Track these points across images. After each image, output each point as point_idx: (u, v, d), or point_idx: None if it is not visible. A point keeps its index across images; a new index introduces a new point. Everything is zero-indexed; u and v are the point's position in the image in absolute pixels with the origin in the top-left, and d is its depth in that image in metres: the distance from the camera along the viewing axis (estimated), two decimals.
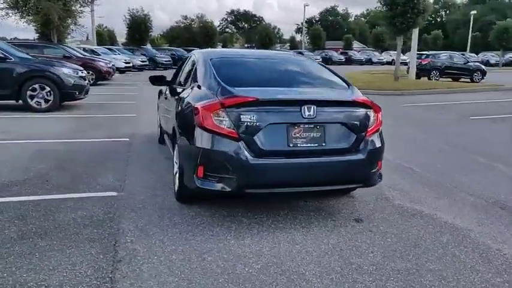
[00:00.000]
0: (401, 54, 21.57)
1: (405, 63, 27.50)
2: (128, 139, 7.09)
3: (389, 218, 3.96)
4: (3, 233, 3.38)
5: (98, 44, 33.99)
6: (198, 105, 3.61)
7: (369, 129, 3.77)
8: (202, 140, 3.52)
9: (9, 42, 13.39)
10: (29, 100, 9.87)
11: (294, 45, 69.67)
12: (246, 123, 3.43)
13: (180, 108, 4.23)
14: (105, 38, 55.72)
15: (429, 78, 22.88)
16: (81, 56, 18.37)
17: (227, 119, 3.45)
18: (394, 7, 18.41)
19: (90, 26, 32.22)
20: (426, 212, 4.13)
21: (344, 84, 4.22)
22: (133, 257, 3.07)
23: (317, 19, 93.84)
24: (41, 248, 3.15)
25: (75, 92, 10.45)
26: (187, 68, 5.20)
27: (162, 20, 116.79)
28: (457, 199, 4.55)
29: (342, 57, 49.42)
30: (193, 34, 52.35)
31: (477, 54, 49.98)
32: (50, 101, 10.01)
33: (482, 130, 8.93)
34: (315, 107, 3.53)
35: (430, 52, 25.94)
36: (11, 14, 22.07)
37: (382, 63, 48.80)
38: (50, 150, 6.13)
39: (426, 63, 23.40)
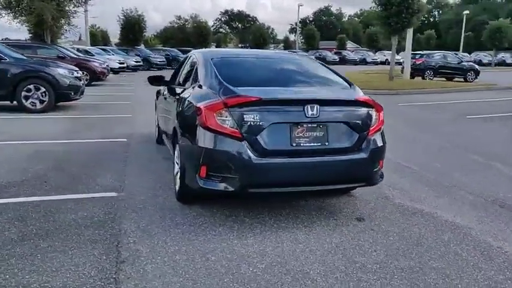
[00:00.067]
0: (396, 54, 21.64)
1: (399, 63, 27.63)
2: (125, 139, 7.05)
3: (390, 217, 3.97)
4: (3, 235, 3.35)
5: (91, 45, 33.77)
6: (201, 105, 3.60)
7: (371, 128, 3.78)
8: (205, 139, 3.51)
9: (1, 43, 13.27)
10: (23, 101, 9.79)
11: (287, 45, 69.68)
12: (249, 123, 3.43)
13: (181, 108, 4.21)
14: (98, 38, 55.46)
15: (423, 78, 23.01)
16: (75, 56, 18.25)
17: (230, 118, 3.44)
18: (389, 7, 18.47)
19: (83, 27, 32.09)
20: (427, 211, 4.15)
21: (345, 83, 4.23)
22: (136, 257, 3.05)
23: (311, 19, 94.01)
24: (43, 249, 3.13)
25: (70, 93, 10.38)
26: (186, 68, 5.18)
27: (155, 21, 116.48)
28: (456, 198, 4.57)
29: (336, 57, 49.55)
30: (187, 34, 52.23)
31: (470, 54, 50.41)
32: (45, 102, 9.93)
33: (478, 129, 8.99)
34: (318, 106, 3.53)
35: (424, 52, 26.08)
36: (4, 15, 21.94)
37: (376, 63, 49.00)
38: (46, 151, 6.09)
39: (420, 63, 23.53)
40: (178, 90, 4.86)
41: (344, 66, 42.26)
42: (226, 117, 3.45)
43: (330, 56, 49.66)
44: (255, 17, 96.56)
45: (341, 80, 4.32)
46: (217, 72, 3.99)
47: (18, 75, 9.75)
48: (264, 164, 3.42)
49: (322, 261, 3.09)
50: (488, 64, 44.26)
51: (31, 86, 9.80)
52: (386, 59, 45.43)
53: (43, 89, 9.86)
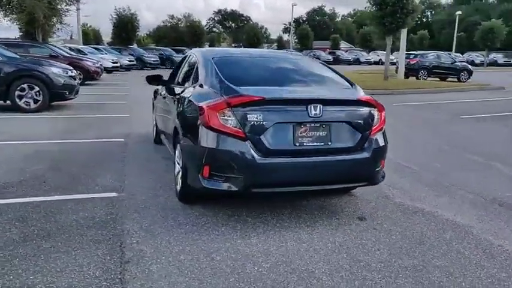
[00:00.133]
0: (390, 54, 21.72)
1: (393, 63, 27.76)
2: (122, 139, 7.01)
3: (391, 216, 3.99)
4: (5, 235, 3.32)
5: (83, 44, 33.53)
6: (203, 104, 3.59)
7: (373, 128, 3.79)
8: (207, 139, 3.50)
9: None
10: (17, 100, 9.68)
11: (281, 44, 69.70)
12: (252, 123, 3.42)
13: (182, 108, 4.19)
14: (90, 37, 55.06)
15: (417, 78, 23.14)
16: (68, 55, 18.11)
17: (233, 118, 3.43)
18: (383, 7, 18.56)
19: (75, 25, 31.84)
20: (427, 210, 4.17)
21: (347, 83, 4.24)
22: (140, 257, 3.03)
23: (304, 19, 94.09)
24: (46, 249, 3.10)
25: (65, 92, 10.28)
26: (186, 67, 5.16)
27: (148, 20, 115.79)
28: (456, 197, 4.60)
29: (330, 57, 49.61)
30: (181, 34, 52.09)
31: (462, 54, 50.75)
32: (39, 101, 9.82)
33: (473, 129, 9.06)
34: (321, 106, 3.54)
35: (418, 52, 26.25)
36: None
37: (370, 63, 49.19)
38: (44, 151, 6.03)
39: (414, 63, 23.67)
40: (177, 89, 4.83)
41: (338, 66, 42.24)
42: (229, 116, 3.44)
43: (324, 55, 49.68)
44: (249, 17, 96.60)
45: (342, 79, 4.33)
46: (218, 71, 3.98)
47: (11, 74, 9.63)
48: (268, 164, 3.42)
49: (326, 260, 3.09)
50: (481, 64, 44.66)
51: (25, 85, 9.69)
52: (380, 59, 45.66)
53: (37, 88, 9.76)
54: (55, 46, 18.97)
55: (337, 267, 3.01)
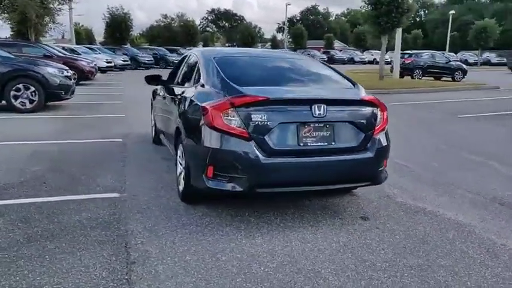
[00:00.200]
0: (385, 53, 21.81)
1: (388, 63, 27.88)
2: (121, 139, 6.98)
3: (394, 216, 4.01)
4: (9, 236, 3.29)
5: (76, 43, 33.31)
6: (206, 104, 3.58)
7: (376, 128, 3.81)
8: (211, 139, 3.49)
9: None
10: (12, 100, 9.61)
11: (275, 44, 69.59)
12: (256, 123, 3.42)
13: (184, 108, 4.17)
14: (82, 36, 54.71)
15: (412, 77, 23.26)
16: (62, 55, 17.97)
17: (237, 118, 3.42)
18: (378, 6, 18.62)
19: (68, 25, 31.58)
20: (429, 209, 4.19)
21: (349, 83, 4.25)
22: (146, 258, 3.02)
23: (298, 18, 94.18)
24: (50, 250, 3.08)
25: (61, 92, 10.22)
26: (186, 67, 5.14)
27: (140, 19, 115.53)
28: (456, 196, 4.63)
29: (325, 57, 49.67)
30: (174, 33, 51.98)
31: (456, 53, 51.06)
32: (35, 102, 9.76)
33: (471, 128, 9.12)
34: (325, 106, 3.54)
35: (413, 51, 26.36)
36: None
37: (364, 63, 49.34)
38: (42, 152, 5.99)
39: (409, 63, 23.79)
40: (178, 90, 4.81)
41: (332, 65, 42.37)
42: (233, 117, 3.44)
43: (319, 55, 49.59)
44: (242, 16, 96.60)
45: (344, 79, 4.34)
46: (220, 71, 3.97)
47: (6, 74, 9.55)
48: (272, 164, 3.42)
49: (332, 260, 3.10)
50: (474, 64, 44.95)
51: (20, 86, 9.61)
52: (374, 59, 45.84)
53: (33, 89, 9.69)
54: (49, 46, 18.81)
55: (343, 267, 3.02)
